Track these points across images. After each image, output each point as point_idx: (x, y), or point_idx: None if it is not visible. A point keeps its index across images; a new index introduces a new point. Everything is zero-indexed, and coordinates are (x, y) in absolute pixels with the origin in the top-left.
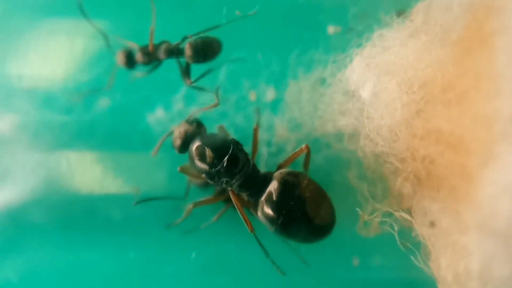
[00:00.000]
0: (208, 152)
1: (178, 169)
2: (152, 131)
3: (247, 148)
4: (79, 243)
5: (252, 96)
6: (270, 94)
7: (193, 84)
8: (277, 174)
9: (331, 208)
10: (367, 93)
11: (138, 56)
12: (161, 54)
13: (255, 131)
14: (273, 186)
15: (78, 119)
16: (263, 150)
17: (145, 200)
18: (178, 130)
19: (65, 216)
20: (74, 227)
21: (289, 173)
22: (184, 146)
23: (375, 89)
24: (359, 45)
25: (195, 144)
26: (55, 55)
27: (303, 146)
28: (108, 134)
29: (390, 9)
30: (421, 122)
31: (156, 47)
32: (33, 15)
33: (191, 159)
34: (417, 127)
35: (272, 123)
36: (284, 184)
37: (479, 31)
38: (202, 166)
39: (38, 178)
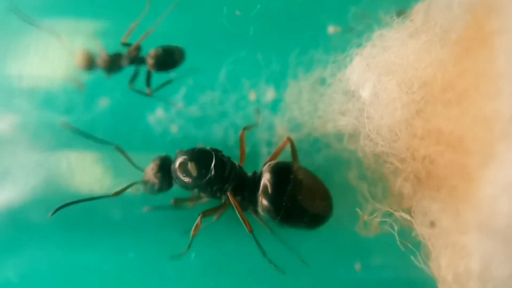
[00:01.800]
0: (192, 165)
1: (171, 202)
2: (152, 131)
3: (235, 153)
4: (79, 243)
5: (252, 96)
6: (270, 94)
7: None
8: (265, 167)
9: (325, 186)
10: (367, 93)
11: (99, 61)
12: (123, 61)
13: (242, 137)
14: (266, 178)
15: (78, 119)
16: (263, 150)
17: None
18: (149, 170)
19: (65, 216)
20: (74, 227)
21: (277, 163)
22: (164, 176)
23: (375, 89)
24: (359, 45)
25: (177, 163)
26: (55, 55)
27: (285, 138)
28: (108, 134)
29: (390, 9)
30: (421, 122)
31: (115, 56)
32: (33, 15)
33: (179, 179)
34: (417, 127)
35: (272, 123)
36: (276, 173)
37: (479, 31)
38: (192, 181)
39: (38, 178)
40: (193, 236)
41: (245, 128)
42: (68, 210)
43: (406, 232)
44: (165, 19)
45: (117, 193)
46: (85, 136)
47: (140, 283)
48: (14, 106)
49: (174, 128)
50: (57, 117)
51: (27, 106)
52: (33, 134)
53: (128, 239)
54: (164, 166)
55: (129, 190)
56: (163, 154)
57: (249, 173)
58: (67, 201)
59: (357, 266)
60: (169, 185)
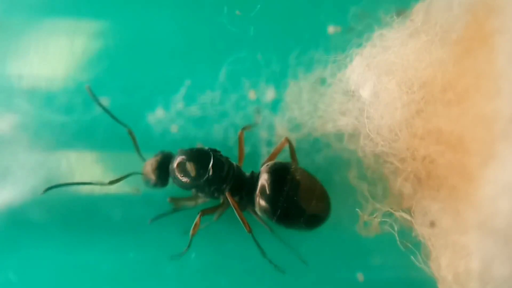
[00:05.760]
0: (190, 165)
1: (168, 200)
2: (152, 131)
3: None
4: (79, 242)
5: (252, 95)
6: (270, 94)
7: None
8: (264, 167)
9: (323, 187)
10: (367, 93)
11: None
12: None
13: (240, 137)
14: (263, 178)
15: (78, 119)
16: (263, 150)
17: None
18: (148, 164)
19: (65, 216)
20: (74, 227)
21: (275, 163)
22: (162, 174)
23: (375, 89)
24: (359, 45)
25: (175, 163)
26: (55, 55)
27: (283, 139)
28: (108, 134)
29: (390, 9)
30: (421, 122)
31: None
32: (33, 15)
33: (177, 179)
34: (417, 127)
35: (272, 123)
36: (274, 173)
37: (479, 31)
38: (189, 180)
39: (38, 178)
40: (193, 235)
41: (244, 128)
42: (68, 210)
43: (406, 232)
44: (165, 18)
45: (112, 182)
46: (104, 109)
47: (140, 283)
48: (14, 106)
49: (174, 128)
50: (57, 117)
51: (27, 106)
52: (33, 134)
53: (128, 239)
54: (163, 164)
55: (129, 190)
56: (166, 151)
57: (247, 173)
58: (66, 202)
59: (360, 276)
60: (165, 183)
